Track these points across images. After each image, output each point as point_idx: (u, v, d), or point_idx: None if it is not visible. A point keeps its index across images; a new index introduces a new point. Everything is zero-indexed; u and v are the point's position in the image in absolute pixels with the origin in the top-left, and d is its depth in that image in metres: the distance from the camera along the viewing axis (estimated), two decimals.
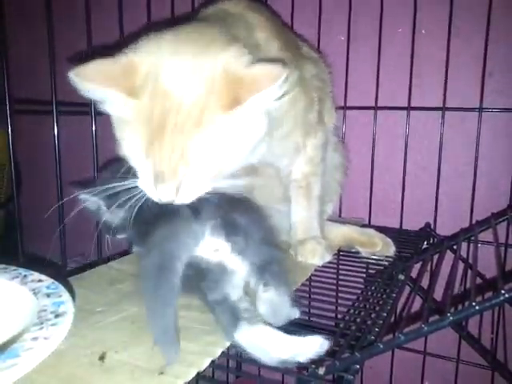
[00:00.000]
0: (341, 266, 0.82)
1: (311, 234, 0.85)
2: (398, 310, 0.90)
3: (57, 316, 0.36)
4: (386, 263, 0.83)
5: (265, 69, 0.56)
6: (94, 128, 0.79)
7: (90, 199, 0.69)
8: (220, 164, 0.59)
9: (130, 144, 0.59)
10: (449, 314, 0.40)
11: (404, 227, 1.09)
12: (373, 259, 0.87)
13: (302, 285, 0.72)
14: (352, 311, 0.62)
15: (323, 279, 0.76)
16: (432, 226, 1.06)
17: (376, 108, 1.09)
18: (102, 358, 0.48)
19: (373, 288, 0.70)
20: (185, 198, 0.59)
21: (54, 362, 0.46)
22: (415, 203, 1.10)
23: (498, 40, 0.99)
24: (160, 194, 0.58)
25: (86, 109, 0.77)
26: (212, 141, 0.57)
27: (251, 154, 0.63)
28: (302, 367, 0.50)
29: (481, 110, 1.00)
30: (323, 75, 0.93)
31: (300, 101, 0.78)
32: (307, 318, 0.63)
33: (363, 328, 0.54)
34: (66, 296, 0.40)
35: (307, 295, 0.71)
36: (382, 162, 1.12)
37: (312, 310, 0.66)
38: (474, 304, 0.39)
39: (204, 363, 0.48)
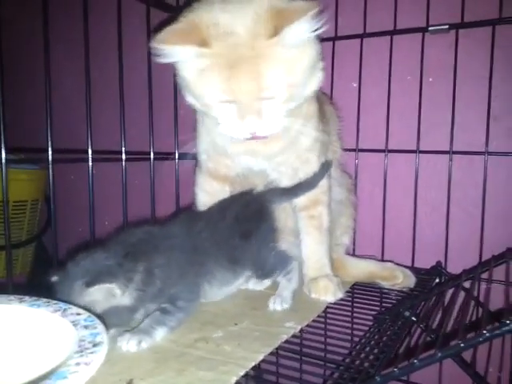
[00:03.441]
0: (354, 304, 0.87)
1: (323, 271, 0.89)
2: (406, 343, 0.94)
3: (94, 345, 0.42)
4: (395, 301, 0.87)
5: (300, 4, 0.67)
6: (124, 177, 0.88)
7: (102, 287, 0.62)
8: (287, 86, 0.69)
9: (209, 91, 0.70)
10: (437, 350, 0.45)
11: (417, 265, 1.12)
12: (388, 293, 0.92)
13: (315, 321, 0.77)
14: (358, 347, 0.66)
15: (336, 316, 0.80)
16: (443, 265, 1.10)
17: (386, 151, 1.15)
18: None
19: (380, 324, 0.75)
20: (268, 127, 0.71)
21: None
22: (427, 242, 1.14)
23: (503, 85, 1.04)
24: (246, 126, 0.70)
25: (118, 156, 0.86)
26: (274, 65, 0.68)
27: (308, 80, 0.74)
28: None
29: (486, 153, 1.04)
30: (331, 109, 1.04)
31: (315, 116, 0.87)
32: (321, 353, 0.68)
33: (366, 362, 0.58)
34: (100, 328, 0.46)
35: (321, 331, 0.75)
36: (393, 202, 1.17)
37: (320, 345, 0.70)
38: (459, 342, 0.44)
39: None
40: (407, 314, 0.74)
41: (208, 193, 0.95)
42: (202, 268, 0.73)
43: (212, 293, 0.77)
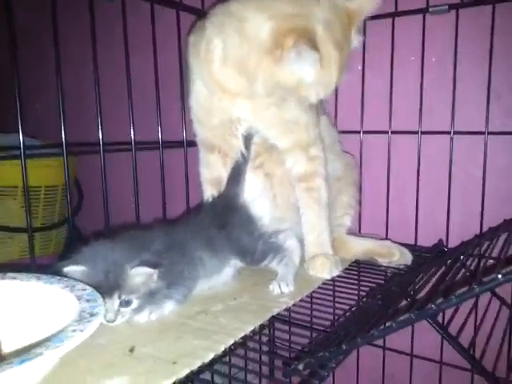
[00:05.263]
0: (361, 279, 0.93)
1: (323, 249, 0.94)
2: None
3: (91, 315, 0.50)
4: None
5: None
6: (134, 164, 0.96)
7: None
8: None
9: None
10: (392, 323, 0.50)
11: (420, 243, 1.16)
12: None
13: (318, 296, 0.85)
14: (348, 314, 0.72)
15: (342, 291, 0.87)
16: (445, 243, 1.13)
17: (390, 132, 1.17)
18: (131, 350, 0.62)
19: (372, 297, 0.80)
20: None
21: (96, 351, 0.61)
22: (430, 220, 1.17)
23: (505, 64, 1.05)
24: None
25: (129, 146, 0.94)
26: None
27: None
28: (287, 363, 0.61)
29: (487, 133, 1.06)
30: None
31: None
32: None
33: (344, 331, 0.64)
34: (100, 301, 0.54)
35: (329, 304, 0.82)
36: (397, 182, 1.20)
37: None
38: (410, 314, 0.49)
39: (208, 356, 0.60)
40: (394, 288, 0.79)
41: (207, 166, 1.02)
42: (196, 254, 0.80)
43: (204, 280, 0.82)
